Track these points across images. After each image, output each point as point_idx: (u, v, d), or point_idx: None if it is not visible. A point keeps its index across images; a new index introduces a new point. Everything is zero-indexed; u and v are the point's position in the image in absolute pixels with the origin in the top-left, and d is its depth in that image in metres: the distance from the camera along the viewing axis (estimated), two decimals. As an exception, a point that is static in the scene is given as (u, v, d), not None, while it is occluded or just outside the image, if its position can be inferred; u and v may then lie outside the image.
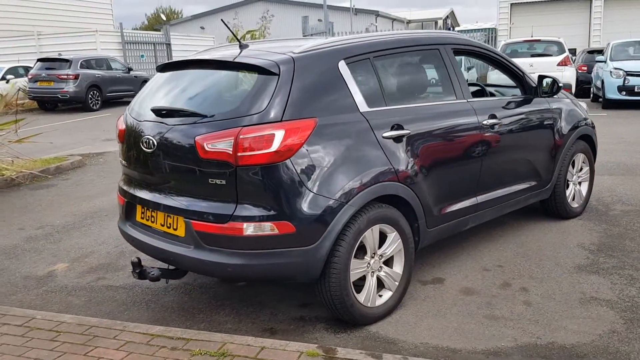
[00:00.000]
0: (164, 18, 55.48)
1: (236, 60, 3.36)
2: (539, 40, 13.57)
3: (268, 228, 3.05)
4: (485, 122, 4.16)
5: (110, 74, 19.66)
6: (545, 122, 4.83)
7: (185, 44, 28.61)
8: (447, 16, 62.22)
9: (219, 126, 3.09)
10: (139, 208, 3.63)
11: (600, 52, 16.48)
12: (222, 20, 4.15)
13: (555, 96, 4.89)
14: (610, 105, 13.78)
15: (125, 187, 3.76)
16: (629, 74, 13.33)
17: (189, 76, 3.65)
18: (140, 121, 3.52)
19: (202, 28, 43.17)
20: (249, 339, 3.12)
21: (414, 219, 3.63)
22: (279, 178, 3.04)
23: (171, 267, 3.56)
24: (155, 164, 3.40)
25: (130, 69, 20.77)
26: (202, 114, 3.23)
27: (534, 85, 4.80)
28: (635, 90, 13.34)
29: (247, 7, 46.02)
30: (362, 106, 3.42)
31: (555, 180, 4.99)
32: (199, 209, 3.18)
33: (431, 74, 4.16)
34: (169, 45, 26.65)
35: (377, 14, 46.64)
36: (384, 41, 3.79)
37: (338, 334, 3.37)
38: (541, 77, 4.82)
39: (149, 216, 3.54)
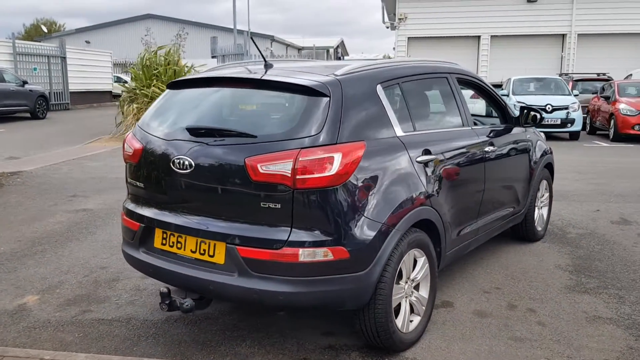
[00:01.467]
0: (45, 30, 52.28)
1: (282, 79, 3.23)
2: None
3: (323, 254, 2.93)
4: (486, 149, 4.32)
5: (2, 87, 18.13)
6: (525, 150, 5.11)
7: (82, 58, 27.12)
8: (338, 45, 64.38)
9: (272, 148, 2.94)
10: (158, 233, 3.34)
11: (498, 86, 17.77)
12: (251, 38, 3.99)
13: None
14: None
15: (138, 210, 3.45)
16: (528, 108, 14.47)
17: (219, 94, 3.46)
18: (168, 140, 3.27)
19: (88, 42, 41.31)
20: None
21: (438, 242, 3.67)
22: (335, 202, 2.95)
23: (195, 297, 3.31)
24: (189, 186, 3.16)
25: (25, 82, 19.28)
26: (250, 134, 3.06)
27: (515, 115, 5.08)
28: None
29: (131, 25, 44.81)
30: (398, 130, 3.42)
31: (528, 205, 5.28)
32: (247, 234, 2.99)
33: (441, 100, 4.27)
34: (64, 58, 25.07)
35: (272, 39, 47.24)
36: (409, 67, 3.84)
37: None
38: (523, 109, 5.11)
39: (173, 242, 3.27)
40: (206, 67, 17.59)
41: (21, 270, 4.76)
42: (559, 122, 14.56)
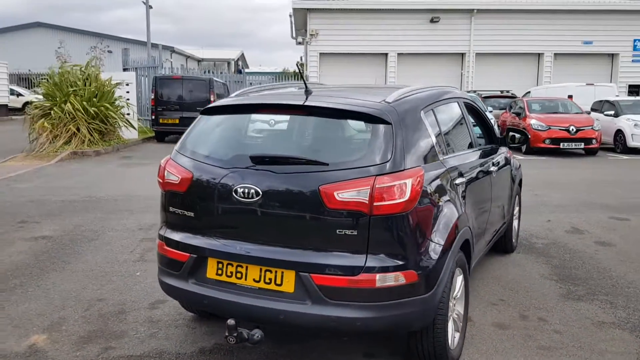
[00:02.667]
0: None
1: (341, 107, 3.26)
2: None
3: (396, 278, 3.00)
4: (491, 168, 4.59)
5: None
6: (509, 168, 5.46)
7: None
8: (239, 58, 64.20)
9: (347, 175, 2.98)
10: (212, 263, 3.24)
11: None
12: (297, 64, 3.93)
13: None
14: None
15: (187, 241, 3.32)
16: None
17: (272, 121, 3.42)
18: (228, 168, 3.19)
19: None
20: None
21: (469, 260, 3.85)
22: (406, 227, 3.03)
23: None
24: (254, 215, 3.11)
25: None
26: (321, 161, 3.07)
27: (499, 136, 5.42)
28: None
29: (25, 32, 42.17)
30: (440, 154, 3.57)
31: (510, 218, 5.64)
32: (321, 261, 2.99)
33: (458, 123, 4.47)
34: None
35: (172, 50, 46.19)
36: (435, 93, 3.99)
37: (431, 379, 3.39)
38: (509, 130, 5.46)
39: (232, 272, 3.18)
40: (122, 79, 16.76)
41: (10, 308, 4.38)
42: (479, 137, 15.44)
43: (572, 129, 15.00)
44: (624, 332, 4.07)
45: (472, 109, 5.10)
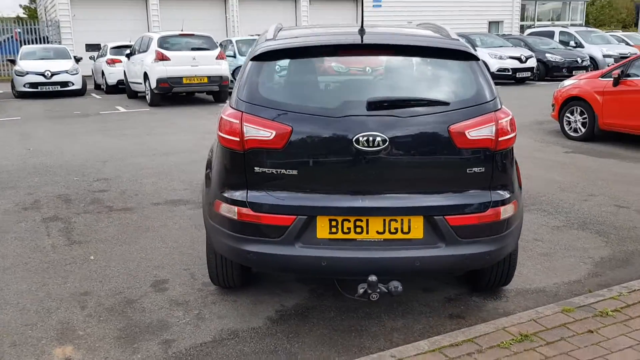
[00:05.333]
0: None
1: (435, 45, 3.16)
2: (192, 35, 14.02)
3: (510, 209, 3.14)
4: None
5: None
6: None
7: None
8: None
9: (472, 113, 2.96)
10: (322, 222, 2.95)
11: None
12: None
13: None
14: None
15: (289, 202, 2.95)
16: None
17: (359, 62, 3.17)
18: (340, 117, 2.88)
19: None
20: (505, 321, 3.16)
21: None
22: (511, 159, 3.16)
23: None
24: (378, 164, 2.89)
25: None
26: (442, 101, 2.98)
27: None
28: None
29: None
30: None
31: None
32: (454, 203, 2.96)
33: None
34: None
35: None
36: None
37: (499, 298, 3.65)
38: None
39: (349, 228, 2.95)
40: None
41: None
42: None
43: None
44: (579, 231, 4.85)
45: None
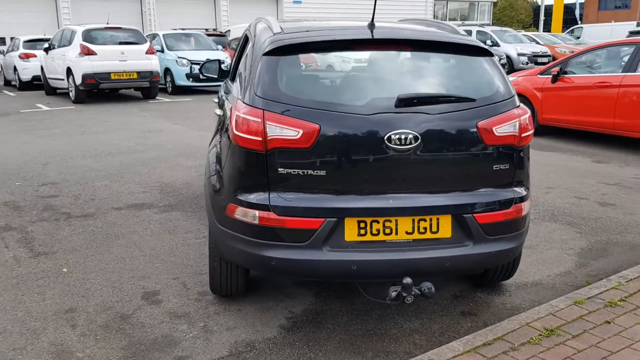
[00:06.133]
0: None
1: (455, 41, 3.10)
2: (120, 28, 13.27)
3: (529, 205, 3.16)
4: None
5: None
6: None
7: None
8: None
9: (496, 110, 2.94)
10: (350, 224, 2.82)
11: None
12: None
13: None
14: (180, 91, 15.10)
15: (318, 204, 2.80)
16: (194, 62, 14.93)
17: (378, 57, 3.05)
18: (370, 114, 2.76)
19: None
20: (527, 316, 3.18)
21: None
22: (528, 156, 3.17)
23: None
24: (409, 162, 2.80)
25: None
26: (468, 97, 2.92)
27: None
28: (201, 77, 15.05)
29: None
30: None
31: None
32: (482, 200, 2.93)
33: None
34: None
35: None
36: None
37: (503, 293, 3.68)
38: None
39: (378, 229, 2.84)
40: None
41: (-54, 354, 2.96)
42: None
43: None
44: (552, 223, 5.00)
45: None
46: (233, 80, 4.29)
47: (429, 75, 3.15)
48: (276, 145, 2.78)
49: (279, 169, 2.81)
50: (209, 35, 20.95)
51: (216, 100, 5.88)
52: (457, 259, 2.92)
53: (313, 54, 3.02)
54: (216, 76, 5.17)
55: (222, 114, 3.73)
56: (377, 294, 3.28)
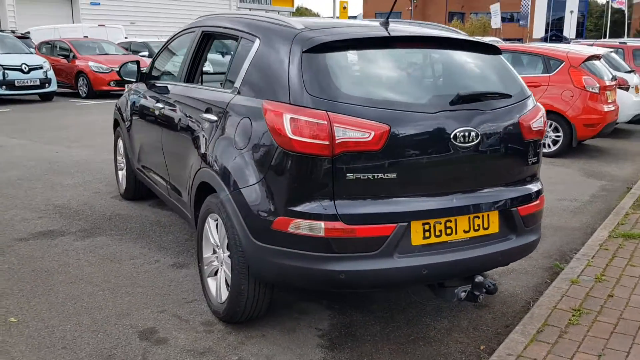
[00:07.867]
0: None
1: (481, 41, 3.16)
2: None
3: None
4: None
5: None
6: None
7: None
8: None
9: (527, 105, 3.06)
10: (416, 227, 2.71)
11: None
12: None
13: None
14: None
15: (390, 209, 2.63)
16: (7, 68, 13.07)
17: (410, 56, 2.98)
18: (434, 113, 2.67)
19: None
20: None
21: None
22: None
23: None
24: (469, 160, 2.79)
25: None
26: (507, 93, 2.99)
27: None
28: (16, 84, 13.24)
29: None
30: None
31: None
32: (523, 193, 3.02)
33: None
34: None
35: None
36: None
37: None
38: None
39: (441, 230, 2.77)
40: None
41: None
42: (37, 82, 13.64)
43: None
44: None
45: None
46: (191, 81, 3.86)
47: (469, 73, 3.15)
48: (344, 149, 2.56)
49: (347, 175, 2.59)
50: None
51: (117, 111, 5.25)
52: (506, 253, 2.99)
53: (356, 51, 2.83)
54: (134, 79, 4.73)
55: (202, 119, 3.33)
56: (420, 294, 3.21)
